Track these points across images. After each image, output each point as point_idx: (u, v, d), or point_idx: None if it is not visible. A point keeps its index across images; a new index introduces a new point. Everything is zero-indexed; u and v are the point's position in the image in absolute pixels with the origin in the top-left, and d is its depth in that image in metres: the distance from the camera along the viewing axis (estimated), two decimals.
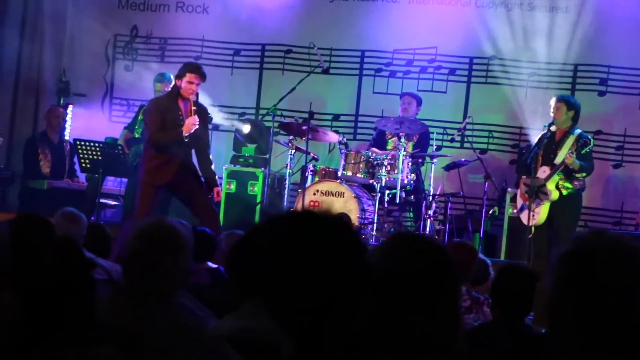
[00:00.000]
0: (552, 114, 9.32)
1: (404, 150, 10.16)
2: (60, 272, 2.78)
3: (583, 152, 9.20)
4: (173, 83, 9.28)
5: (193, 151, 9.06)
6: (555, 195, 9.21)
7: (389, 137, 10.84)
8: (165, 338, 3.20)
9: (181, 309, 3.54)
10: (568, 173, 9.21)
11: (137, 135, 10.65)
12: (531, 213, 9.17)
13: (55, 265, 2.79)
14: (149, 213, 8.48)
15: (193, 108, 8.87)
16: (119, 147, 10.31)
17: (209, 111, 9.65)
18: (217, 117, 11.40)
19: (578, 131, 9.32)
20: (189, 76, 8.83)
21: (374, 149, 10.57)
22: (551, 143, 9.32)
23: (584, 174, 9.30)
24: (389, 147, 10.72)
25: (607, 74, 11.26)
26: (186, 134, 8.81)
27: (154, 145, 8.88)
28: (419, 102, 10.86)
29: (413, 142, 10.66)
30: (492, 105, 11.59)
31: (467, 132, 10.85)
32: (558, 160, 9.20)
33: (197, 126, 8.87)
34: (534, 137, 9.83)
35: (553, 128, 9.30)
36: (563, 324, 2.35)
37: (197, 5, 12.34)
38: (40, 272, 2.79)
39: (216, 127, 11.66)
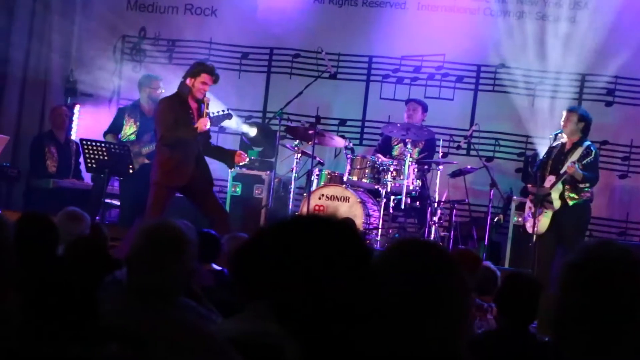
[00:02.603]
0: (562, 124, 9.30)
1: (410, 157, 10.16)
2: (81, 271, 2.77)
3: (585, 162, 9.16)
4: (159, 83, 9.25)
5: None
6: (557, 204, 9.20)
7: (395, 143, 10.83)
8: (170, 338, 3.20)
9: (186, 309, 3.54)
10: (573, 183, 9.19)
11: (125, 139, 10.61)
12: (534, 221, 9.16)
13: (77, 264, 2.79)
14: (162, 215, 8.29)
15: (206, 111, 8.84)
16: (126, 148, 10.27)
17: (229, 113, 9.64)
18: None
19: (587, 143, 9.29)
20: (204, 77, 8.75)
21: (379, 155, 10.56)
22: (560, 153, 9.30)
23: (587, 185, 9.26)
24: (395, 153, 10.72)
25: (615, 84, 11.24)
26: (200, 132, 8.77)
27: (166, 143, 8.78)
28: (425, 109, 10.83)
29: (419, 148, 10.65)
30: (499, 113, 11.58)
31: (473, 140, 10.83)
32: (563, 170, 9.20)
33: (209, 126, 8.85)
34: (540, 146, 9.83)
35: (563, 139, 9.28)
36: (568, 333, 2.34)
37: (205, 7, 12.35)
38: (46, 270, 2.79)
39: (222, 130, 11.65)
